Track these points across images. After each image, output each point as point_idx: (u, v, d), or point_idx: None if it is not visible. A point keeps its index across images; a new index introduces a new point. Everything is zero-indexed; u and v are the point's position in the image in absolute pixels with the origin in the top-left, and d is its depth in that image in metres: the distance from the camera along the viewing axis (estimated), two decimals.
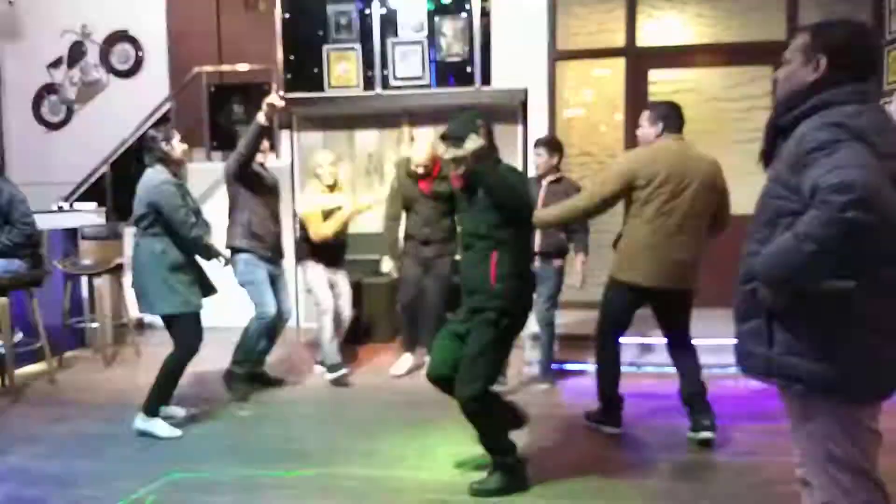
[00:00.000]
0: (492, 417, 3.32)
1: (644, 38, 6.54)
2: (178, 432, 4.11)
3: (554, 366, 5.22)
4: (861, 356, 1.85)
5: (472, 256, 3.28)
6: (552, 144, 5.08)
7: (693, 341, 4.22)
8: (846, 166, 1.69)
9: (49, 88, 7.64)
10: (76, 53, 7.56)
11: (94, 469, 3.69)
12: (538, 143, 5.11)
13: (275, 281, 4.91)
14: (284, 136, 6.88)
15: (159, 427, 4.12)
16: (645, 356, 5.48)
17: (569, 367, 5.43)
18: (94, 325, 5.96)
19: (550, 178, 4.97)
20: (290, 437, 4.12)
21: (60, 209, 6.50)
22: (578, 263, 4.89)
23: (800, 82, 2.02)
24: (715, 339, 5.53)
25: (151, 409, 4.14)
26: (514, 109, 6.51)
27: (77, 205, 6.67)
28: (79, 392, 5.06)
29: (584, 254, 4.91)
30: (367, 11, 6.65)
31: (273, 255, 4.90)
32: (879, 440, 1.96)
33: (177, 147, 4.17)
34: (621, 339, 4.16)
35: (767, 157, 2.06)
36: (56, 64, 7.58)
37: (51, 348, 5.24)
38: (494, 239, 3.20)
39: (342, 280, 5.22)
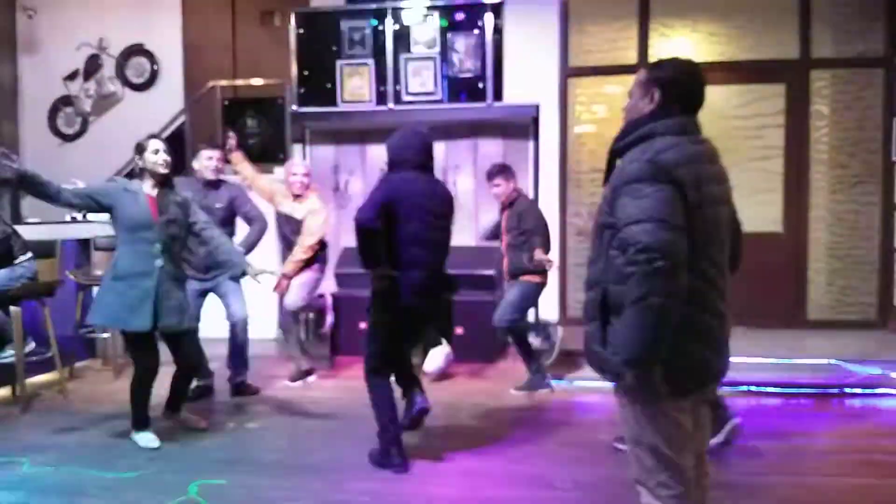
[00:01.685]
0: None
1: (656, 56, 6.54)
2: (154, 443, 4.12)
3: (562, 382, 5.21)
4: (667, 359, 2.06)
5: None
6: (507, 171, 5.21)
7: None
8: (649, 220, 1.99)
9: (65, 101, 7.72)
10: (92, 66, 7.64)
11: (104, 480, 3.69)
12: (493, 175, 5.17)
13: (213, 290, 5.00)
14: (297, 149, 6.93)
15: (140, 437, 4.17)
16: None
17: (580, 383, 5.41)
18: (105, 335, 5.98)
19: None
20: (299, 450, 4.11)
21: (74, 220, 6.53)
22: (539, 254, 4.94)
23: (638, 112, 2.25)
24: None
25: (133, 425, 4.20)
26: (526, 125, 6.53)
27: (90, 216, 6.71)
28: (89, 402, 5.07)
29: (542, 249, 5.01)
30: (381, 27, 6.70)
31: (199, 272, 4.92)
32: (688, 432, 2.19)
33: (149, 159, 4.06)
34: None
35: (606, 176, 2.26)
36: (72, 77, 7.66)
37: (62, 358, 5.26)
38: None
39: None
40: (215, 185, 5.03)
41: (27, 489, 3.60)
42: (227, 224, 4.98)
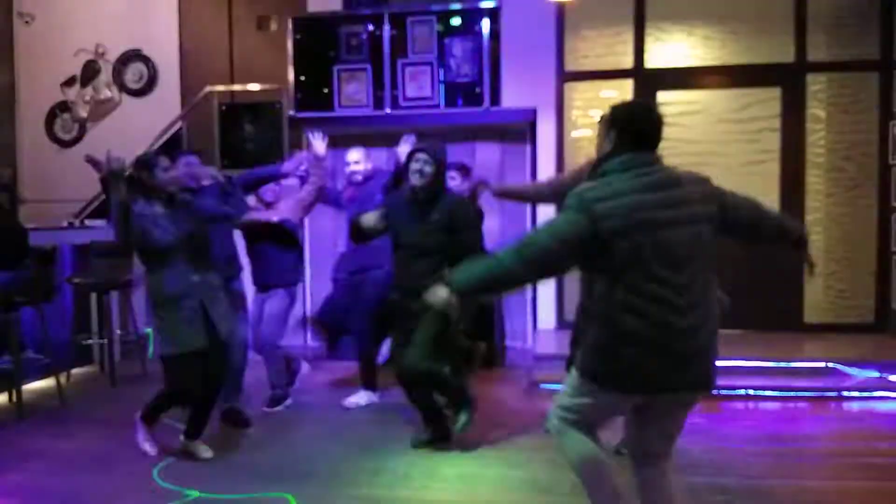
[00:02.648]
0: None
1: (652, 60, 6.57)
2: (153, 451, 4.06)
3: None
4: (609, 360, 2.45)
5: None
6: (464, 169, 5.26)
7: None
8: (548, 228, 2.47)
9: (62, 106, 7.72)
10: (89, 72, 7.65)
11: (101, 486, 3.68)
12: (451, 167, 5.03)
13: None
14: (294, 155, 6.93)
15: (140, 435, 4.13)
16: None
17: None
18: (103, 341, 5.97)
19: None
20: (298, 457, 4.10)
21: (71, 225, 6.54)
22: None
23: (602, 151, 2.59)
24: (726, 361, 5.51)
25: (143, 417, 4.13)
26: (523, 130, 6.54)
27: (88, 221, 6.71)
28: (86, 409, 5.07)
29: None
30: (378, 32, 6.70)
31: None
32: (612, 413, 2.66)
33: (161, 176, 3.92)
34: None
35: None
36: (69, 82, 7.66)
37: (59, 364, 5.25)
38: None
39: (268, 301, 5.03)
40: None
41: (24, 496, 3.59)
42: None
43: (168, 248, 3.83)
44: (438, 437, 4.18)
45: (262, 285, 5.01)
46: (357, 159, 5.24)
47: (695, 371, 2.45)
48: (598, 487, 2.60)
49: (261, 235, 4.92)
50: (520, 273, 2.45)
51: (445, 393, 4.21)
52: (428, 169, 4.04)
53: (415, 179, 4.04)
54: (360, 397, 5.09)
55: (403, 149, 4.95)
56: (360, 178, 5.20)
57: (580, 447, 2.58)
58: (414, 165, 4.07)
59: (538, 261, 2.43)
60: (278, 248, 4.95)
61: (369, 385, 5.12)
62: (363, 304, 4.96)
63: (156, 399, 4.08)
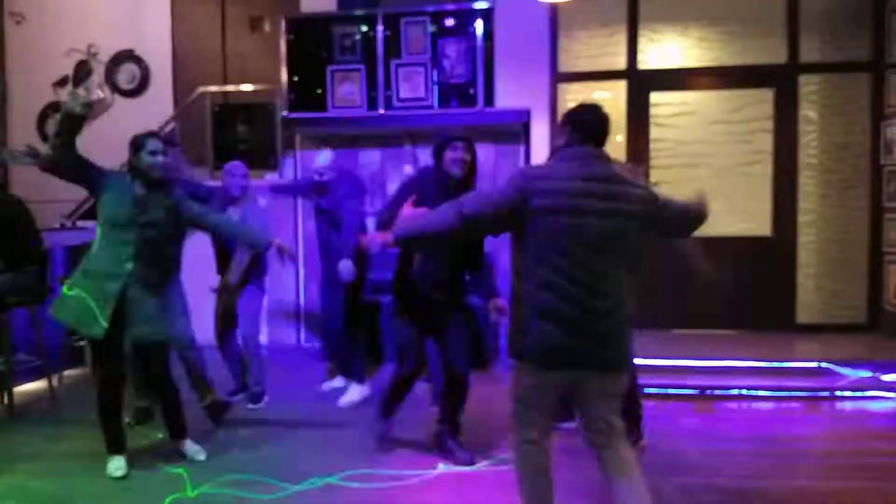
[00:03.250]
0: None
1: (645, 61, 6.58)
2: (120, 473, 3.80)
3: None
4: (530, 336, 2.69)
5: None
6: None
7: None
8: (483, 193, 2.79)
9: (54, 107, 7.68)
10: (82, 73, 7.62)
11: (94, 488, 3.66)
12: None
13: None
14: (286, 155, 6.92)
15: (109, 464, 3.84)
16: (646, 378, 5.44)
17: None
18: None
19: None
20: (290, 458, 4.09)
21: (63, 227, 6.52)
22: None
23: (558, 144, 2.87)
24: (719, 361, 5.54)
25: (107, 447, 3.88)
26: (517, 131, 6.54)
27: (80, 223, 6.69)
28: (78, 410, 5.03)
29: None
30: (371, 33, 6.70)
31: None
32: (539, 397, 2.80)
33: (145, 159, 3.78)
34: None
35: None
36: (61, 83, 7.63)
37: (51, 366, 5.23)
38: None
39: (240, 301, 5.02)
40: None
41: (16, 499, 3.58)
42: None
43: (120, 224, 3.70)
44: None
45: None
46: (324, 163, 5.09)
47: (607, 353, 2.68)
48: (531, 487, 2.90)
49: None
50: (455, 227, 2.72)
51: None
52: (467, 158, 3.95)
53: (455, 168, 3.91)
54: (353, 394, 5.09)
55: (322, 159, 5.06)
56: (324, 183, 5.07)
57: (524, 475, 2.89)
58: (453, 154, 3.91)
59: (471, 220, 2.70)
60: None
61: (360, 379, 5.15)
62: (335, 291, 5.04)
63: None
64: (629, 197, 2.69)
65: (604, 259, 2.63)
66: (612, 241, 2.64)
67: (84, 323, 3.70)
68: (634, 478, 2.80)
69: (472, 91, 6.58)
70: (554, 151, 2.89)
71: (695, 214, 3.06)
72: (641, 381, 5.36)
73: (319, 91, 6.77)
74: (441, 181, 3.86)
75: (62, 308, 3.75)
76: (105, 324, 3.66)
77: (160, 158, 3.81)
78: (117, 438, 3.89)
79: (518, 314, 2.75)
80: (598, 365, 2.69)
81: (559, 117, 6.52)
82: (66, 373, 5.82)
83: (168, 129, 6.95)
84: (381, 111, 6.68)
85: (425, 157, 6.86)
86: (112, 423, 3.87)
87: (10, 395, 4.96)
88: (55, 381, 5.36)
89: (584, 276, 2.61)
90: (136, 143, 3.80)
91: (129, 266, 3.71)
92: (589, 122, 2.81)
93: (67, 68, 7.61)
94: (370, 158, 7.05)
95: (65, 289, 3.76)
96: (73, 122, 3.61)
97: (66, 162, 3.66)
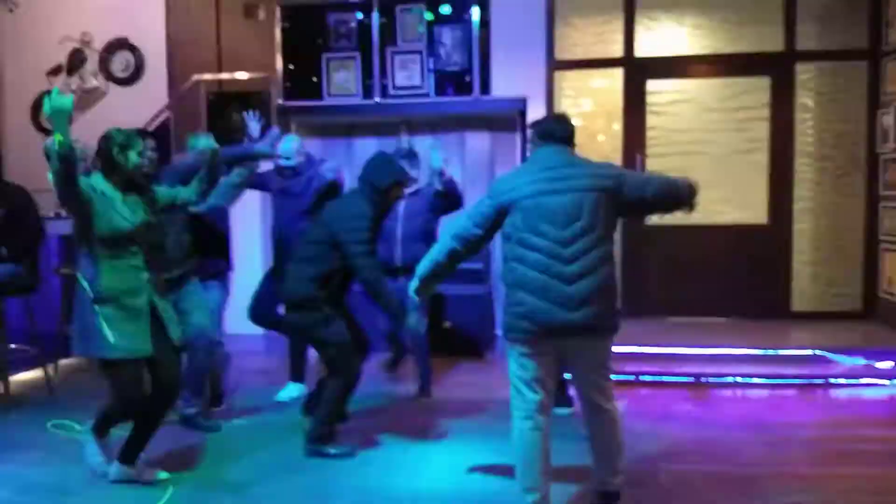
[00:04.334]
0: None
1: (642, 49, 6.56)
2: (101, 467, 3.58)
3: None
4: (509, 308, 3.04)
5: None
6: (413, 155, 5.17)
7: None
8: (471, 213, 3.18)
9: (48, 94, 7.63)
10: (76, 61, 7.56)
11: (90, 477, 3.66)
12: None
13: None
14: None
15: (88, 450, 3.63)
16: (641, 366, 5.46)
17: None
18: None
19: (410, 191, 4.87)
20: (285, 447, 4.10)
21: (58, 216, 6.48)
22: None
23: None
24: (714, 349, 5.55)
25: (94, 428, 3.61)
26: (513, 118, 6.53)
27: None
28: (74, 399, 5.03)
29: None
30: (367, 20, 6.67)
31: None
32: (533, 369, 3.05)
33: (133, 160, 3.43)
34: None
35: None
36: (55, 71, 7.58)
37: (46, 355, 5.22)
38: None
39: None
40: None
41: (13, 487, 3.58)
42: None
43: (124, 237, 3.36)
44: None
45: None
46: (292, 149, 4.95)
47: (582, 314, 2.92)
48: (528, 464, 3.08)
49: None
50: (456, 249, 3.14)
51: None
52: None
53: None
54: (292, 390, 4.98)
55: (287, 145, 4.91)
56: (289, 170, 4.93)
57: (519, 435, 3.10)
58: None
59: (467, 239, 3.12)
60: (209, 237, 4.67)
61: (298, 378, 5.02)
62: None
63: (104, 411, 3.58)
64: (584, 175, 3.04)
65: (565, 229, 2.94)
66: (571, 213, 2.95)
67: (128, 348, 3.35)
68: (613, 443, 3.11)
69: (467, 79, 6.55)
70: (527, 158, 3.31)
71: (680, 184, 3.16)
72: (637, 368, 5.41)
73: (315, 79, 6.74)
74: None
75: (93, 343, 3.36)
76: (149, 339, 3.40)
77: (148, 160, 3.65)
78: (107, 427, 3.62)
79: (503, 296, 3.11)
80: (570, 328, 2.94)
81: (555, 105, 6.57)
82: (62, 362, 5.81)
83: (158, 123, 6.90)
84: (377, 99, 6.65)
85: (421, 145, 6.85)
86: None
87: (6, 384, 4.96)
88: (51, 370, 5.35)
89: (548, 247, 2.93)
90: (125, 144, 3.41)
91: (146, 276, 3.43)
92: (552, 130, 3.18)
93: (61, 56, 7.55)
94: (365, 147, 7.02)
95: (82, 324, 3.39)
96: (67, 165, 3.13)
97: (70, 202, 3.31)
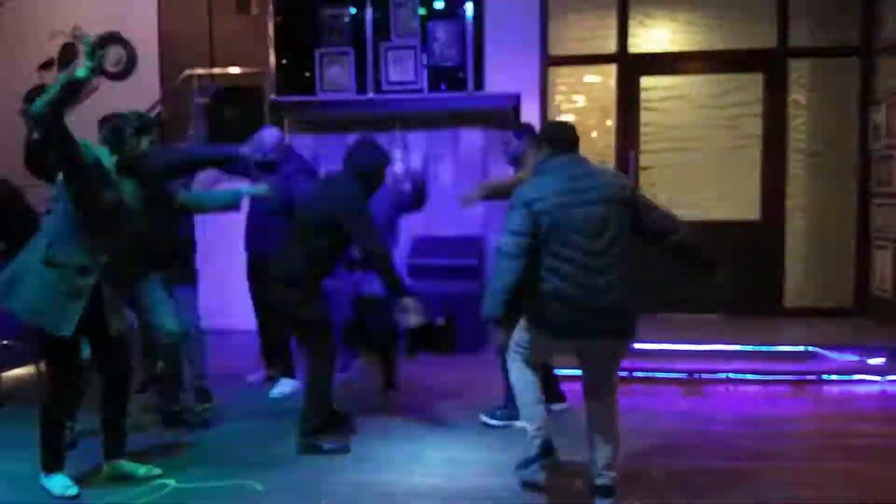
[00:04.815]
0: None
1: (636, 45, 6.56)
2: (73, 490, 3.38)
3: None
4: (542, 316, 3.15)
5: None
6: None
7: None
8: (510, 228, 3.14)
9: (40, 90, 7.57)
10: (67, 55, 7.51)
11: (82, 473, 3.64)
12: None
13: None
14: None
15: (54, 483, 3.38)
16: (635, 362, 5.47)
17: None
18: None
19: None
20: (279, 443, 4.08)
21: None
22: None
23: (541, 159, 3.30)
24: (707, 345, 5.57)
25: (43, 466, 3.40)
26: (507, 115, 6.51)
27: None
28: None
29: None
30: (360, 15, 6.65)
31: None
32: (547, 352, 3.47)
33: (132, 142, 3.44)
34: None
35: None
36: (47, 66, 7.53)
37: (38, 351, 5.18)
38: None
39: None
40: None
41: (6, 484, 3.57)
42: None
43: (103, 213, 3.29)
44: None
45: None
46: (266, 143, 4.78)
47: (613, 322, 3.08)
48: (526, 396, 3.36)
49: None
50: (515, 266, 3.08)
51: None
52: None
53: None
54: (285, 386, 4.98)
55: (265, 139, 4.77)
56: (267, 165, 4.75)
57: (519, 373, 3.36)
58: None
59: (523, 249, 3.07)
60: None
61: (289, 373, 5.02)
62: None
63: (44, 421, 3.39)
64: (604, 185, 3.13)
65: (595, 242, 3.04)
66: (598, 225, 3.04)
67: (49, 319, 3.23)
68: (609, 434, 3.22)
69: (461, 74, 6.55)
70: (541, 163, 3.27)
71: (677, 222, 3.34)
72: (630, 364, 5.40)
73: (308, 74, 6.72)
74: None
75: (16, 297, 3.26)
76: (74, 322, 3.26)
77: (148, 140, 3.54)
78: (61, 453, 3.45)
79: (530, 295, 3.14)
80: (601, 334, 3.10)
81: (549, 101, 6.57)
82: None
83: (156, 110, 6.88)
84: (371, 95, 6.63)
85: (415, 141, 6.84)
86: (60, 436, 3.45)
87: None
88: (42, 367, 5.31)
89: (580, 259, 3.02)
90: (141, 128, 3.43)
91: (104, 259, 3.35)
92: (563, 137, 3.27)
93: (52, 51, 7.51)
94: None
95: (15, 275, 3.30)
96: (75, 90, 3.22)
97: (57, 129, 3.18)
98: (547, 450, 3.29)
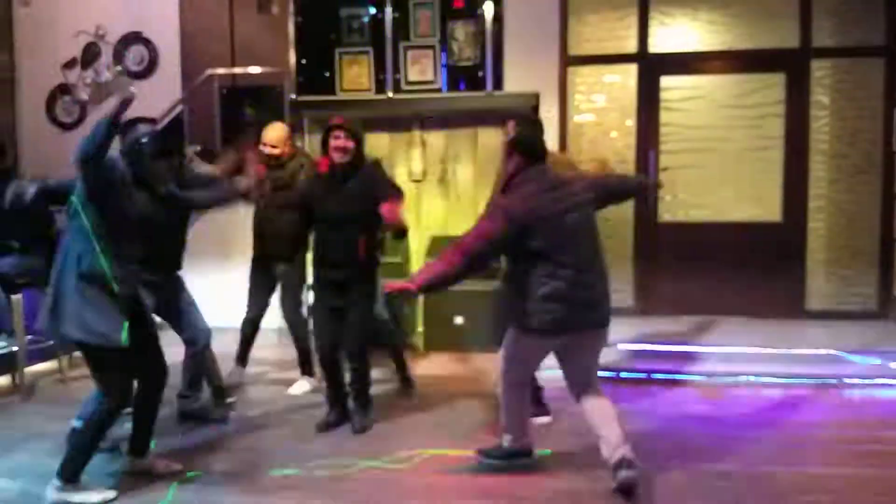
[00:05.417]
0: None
1: (656, 45, 6.52)
2: (111, 494, 3.40)
3: None
4: (537, 313, 3.35)
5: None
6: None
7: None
8: (481, 232, 3.40)
9: (63, 89, 7.67)
10: (90, 54, 7.59)
11: (103, 467, 3.68)
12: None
13: None
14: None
15: (84, 496, 3.33)
16: (654, 364, 5.44)
17: None
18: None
19: None
20: (298, 438, 4.11)
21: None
22: None
23: (515, 169, 3.48)
24: (728, 348, 5.53)
25: (71, 474, 3.34)
26: (526, 115, 6.50)
27: None
28: (88, 391, 5.04)
29: None
30: (380, 15, 6.66)
31: None
32: (535, 359, 3.60)
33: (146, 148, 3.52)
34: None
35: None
36: (70, 65, 7.62)
37: (61, 347, 5.25)
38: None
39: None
40: None
41: (27, 476, 3.61)
42: None
43: (133, 227, 3.38)
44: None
45: None
46: (276, 139, 4.90)
47: (594, 315, 3.40)
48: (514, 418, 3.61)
49: None
50: (464, 267, 3.32)
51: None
52: (349, 145, 4.05)
53: (337, 155, 4.08)
54: (303, 385, 5.03)
55: (273, 133, 4.89)
56: (273, 159, 4.86)
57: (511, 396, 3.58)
58: (335, 143, 4.09)
59: (475, 258, 3.31)
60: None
61: (308, 371, 5.07)
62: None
63: (90, 423, 3.39)
64: (578, 191, 3.46)
65: (582, 243, 3.38)
66: (583, 228, 3.40)
67: (109, 334, 3.28)
68: (611, 414, 3.44)
69: (480, 74, 6.53)
70: (513, 174, 3.45)
71: (635, 182, 4.07)
72: (649, 366, 5.38)
73: (327, 74, 6.74)
74: (330, 167, 4.09)
75: (72, 323, 3.30)
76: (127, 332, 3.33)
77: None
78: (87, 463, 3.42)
79: (524, 299, 3.36)
80: (587, 326, 3.40)
81: (568, 101, 6.54)
82: (76, 353, 5.84)
83: (171, 117, 6.93)
84: (389, 94, 6.64)
85: (432, 140, 6.85)
86: (97, 446, 3.47)
87: (21, 375, 4.99)
88: (64, 362, 5.38)
89: (572, 261, 3.32)
90: (165, 153, 3.54)
91: (134, 267, 3.43)
92: (533, 145, 3.53)
93: (76, 50, 7.59)
94: (378, 143, 7.02)
95: (58, 301, 3.31)
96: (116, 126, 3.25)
97: (100, 162, 3.26)
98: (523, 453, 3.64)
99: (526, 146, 3.49)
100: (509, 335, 3.52)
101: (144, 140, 3.49)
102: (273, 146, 4.89)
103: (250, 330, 5.13)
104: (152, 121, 3.85)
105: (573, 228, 3.35)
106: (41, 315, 3.39)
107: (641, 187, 4.58)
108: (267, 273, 5.00)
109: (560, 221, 3.32)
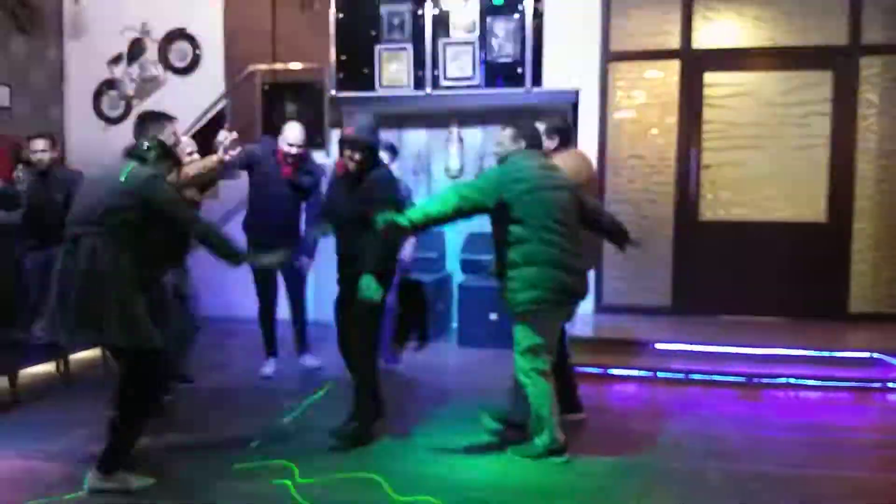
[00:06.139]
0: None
1: (700, 40, 6.42)
2: (149, 481, 3.44)
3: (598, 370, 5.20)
4: (540, 284, 3.65)
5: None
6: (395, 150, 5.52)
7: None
8: (475, 184, 3.85)
9: (109, 84, 7.85)
10: (136, 50, 7.75)
11: (145, 453, 3.74)
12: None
13: None
14: (334, 134, 6.96)
15: (123, 482, 3.37)
16: (692, 364, 5.38)
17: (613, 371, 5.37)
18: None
19: None
20: (318, 426, 4.14)
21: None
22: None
23: (516, 148, 3.91)
24: (767, 349, 5.43)
25: (109, 467, 3.37)
26: (565, 111, 6.46)
27: None
28: None
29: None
30: (420, 12, 6.67)
31: None
32: (550, 334, 3.78)
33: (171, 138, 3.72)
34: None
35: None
36: (116, 60, 7.79)
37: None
38: None
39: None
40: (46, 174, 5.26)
41: (69, 460, 3.71)
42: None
43: (174, 227, 3.44)
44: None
45: None
46: (295, 139, 4.99)
47: (583, 284, 3.80)
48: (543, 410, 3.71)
49: None
50: (451, 213, 3.66)
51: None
52: (356, 157, 4.00)
53: (347, 166, 4.08)
54: (271, 365, 5.29)
55: (294, 133, 5.01)
56: (293, 158, 5.00)
57: (541, 390, 3.71)
58: (341, 159, 4.16)
59: (467, 206, 3.64)
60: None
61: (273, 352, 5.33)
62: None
63: (127, 422, 3.43)
64: (561, 176, 3.84)
65: (568, 217, 3.72)
66: (567, 205, 3.74)
67: (152, 338, 3.36)
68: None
69: (519, 70, 6.51)
70: (505, 156, 3.85)
71: (611, 220, 4.10)
72: (687, 366, 5.32)
73: (367, 70, 6.78)
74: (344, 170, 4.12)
75: (147, 332, 3.35)
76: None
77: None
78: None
79: (525, 274, 3.63)
80: (581, 295, 3.80)
81: (609, 97, 6.48)
82: None
83: (214, 112, 7.05)
84: (428, 90, 6.65)
85: (470, 137, 6.85)
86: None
87: (66, 362, 5.13)
88: (107, 351, 5.50)
89: (563, 231, 3.67)
90: (162, 154, 3.53)
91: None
92: (536, 136, 3.95)
93: (122, 46, 7.76)
94: (416, 138, 7.06)
95: (126, 308, 3.30)
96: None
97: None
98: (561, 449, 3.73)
99: (529, 135, 3.90)
100: (520, 327, 3.72)
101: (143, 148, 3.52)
102: (300, 146, 5.00)
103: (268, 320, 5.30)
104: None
105: (560, 203, 3.72)
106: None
107: (616, 229, 4.10)
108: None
109: (551, 193, 3.71)
